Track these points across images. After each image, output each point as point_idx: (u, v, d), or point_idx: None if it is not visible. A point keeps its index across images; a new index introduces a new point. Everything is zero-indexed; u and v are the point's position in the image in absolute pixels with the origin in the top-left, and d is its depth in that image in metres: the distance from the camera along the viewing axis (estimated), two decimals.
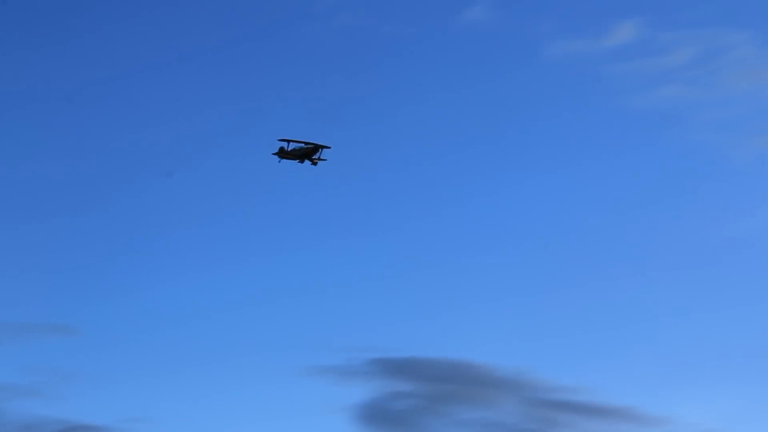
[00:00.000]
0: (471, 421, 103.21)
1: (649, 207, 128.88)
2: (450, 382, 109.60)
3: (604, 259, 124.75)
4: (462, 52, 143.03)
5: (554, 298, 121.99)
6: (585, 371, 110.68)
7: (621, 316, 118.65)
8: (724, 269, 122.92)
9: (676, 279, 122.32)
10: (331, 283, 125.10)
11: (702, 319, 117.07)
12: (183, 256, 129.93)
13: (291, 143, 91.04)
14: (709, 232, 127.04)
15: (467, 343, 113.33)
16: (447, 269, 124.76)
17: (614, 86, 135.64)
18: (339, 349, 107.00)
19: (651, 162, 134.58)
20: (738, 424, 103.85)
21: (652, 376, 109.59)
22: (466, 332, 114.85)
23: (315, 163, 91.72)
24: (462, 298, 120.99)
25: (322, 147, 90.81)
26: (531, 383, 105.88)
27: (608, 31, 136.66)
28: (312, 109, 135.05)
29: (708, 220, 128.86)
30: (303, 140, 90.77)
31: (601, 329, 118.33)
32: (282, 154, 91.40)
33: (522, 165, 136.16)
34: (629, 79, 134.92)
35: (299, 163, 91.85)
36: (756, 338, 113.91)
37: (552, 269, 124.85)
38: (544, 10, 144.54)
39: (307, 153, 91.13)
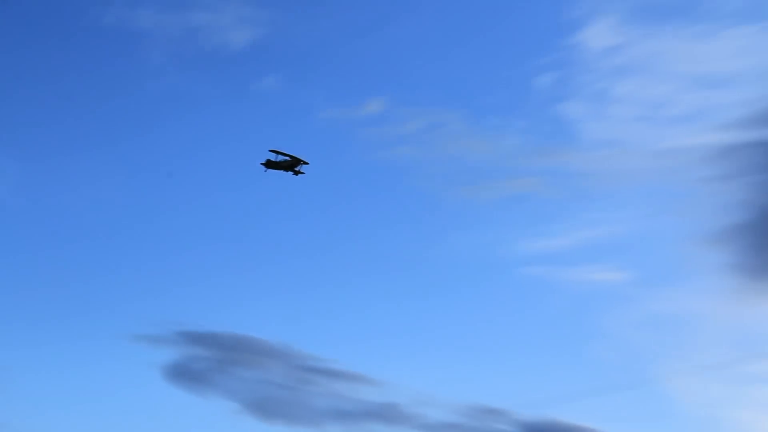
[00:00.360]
0: (249, 379, 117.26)
1: (387, 230, 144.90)
2: (234, 350, 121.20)
3: (352, 262, 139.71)
4: (256, 112, 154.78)
5: (311, 290, 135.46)
6: (333, 345, 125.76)
7: (360, 304, 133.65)
8: (432, 274, 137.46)
9: (402, 279, 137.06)
10: (150, 271, 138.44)
11: (412, 307, 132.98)
12: (24, 229, 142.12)
13: (279, 155, 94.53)
14: (424, 250, 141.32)
15: (248, 321, 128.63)
16: (234, 262, 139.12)
17: (366, 144, 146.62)
18: (154, 322, 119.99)
19: (389, 203, 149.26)
20: (447, 387, 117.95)
21: (381, 350, 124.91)
22: (247, 313, 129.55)
23: (297, 173, 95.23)
24: (243, 286, 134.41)
25: (302, 162, 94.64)
26: (293, 353, 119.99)
27: (363, 104, 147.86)
28: (141, 153, 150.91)
29: (426, 242, 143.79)
30: (289, 153, 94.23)
31: (345, 313, 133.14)
32: (269, 164, 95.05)
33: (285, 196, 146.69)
34: (377, 140, 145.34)
35: (284, 172, 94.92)
36: (456, 322, 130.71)
37: (312, 269, 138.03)
38: (319, 85, 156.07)
39: (291, 165, 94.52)
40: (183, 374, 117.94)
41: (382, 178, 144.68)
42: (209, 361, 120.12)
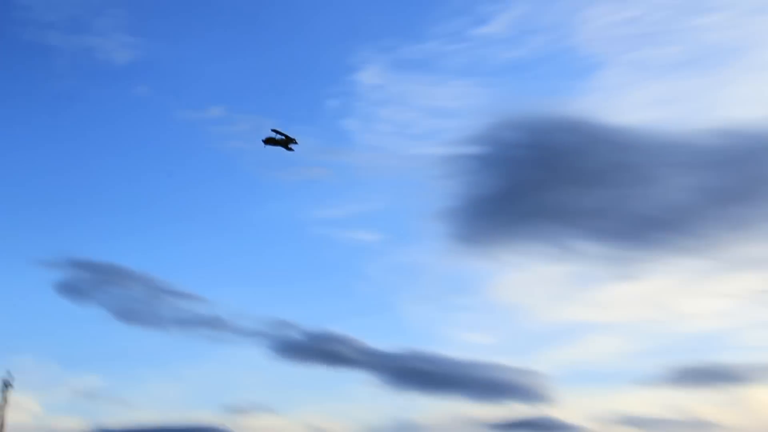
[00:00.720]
0: (117, 296, 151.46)
1: (224, 198, 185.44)
2: (107, 274, 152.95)
3: (197, 218, 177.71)
4: (133, 113, 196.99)
5: (166, 235, 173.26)
6: (178, 273, 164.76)
7: (200, 246, 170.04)
8: (253, 229, 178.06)
9: (232, 231, 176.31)
10: (48, 212, 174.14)
11: (237, 250, 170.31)
12: None
13: (278, 134, 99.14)
14: (249, 212, 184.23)
15: (118, 253, 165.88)
16: (112, 211, 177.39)
17: (210, 138, 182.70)
18: (50, 251, 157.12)
19: (226, 180, 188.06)
20: (257, 305, 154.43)
21: (212, 278, 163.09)
22: (118, 247, 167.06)
23: (289, 149, 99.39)
24: (116, 228, 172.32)
25: (294, 141, 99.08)
26: (149, 277, 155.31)
27: (208, 109, 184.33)
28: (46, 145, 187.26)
29: (251, 207, 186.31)
30: (284, 133, 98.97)
31: (188, 251, 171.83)
32: (269, 141, 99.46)
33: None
34: (217, 135, 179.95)
35: (282, 148, 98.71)
36: (266, 262, 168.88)
37: (168, 218, 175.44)
38: (178, 94, 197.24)
39: (286, 142, 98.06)
40: (69, 290, 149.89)
41: (221, 163, 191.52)
42: (89, 281, 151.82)
